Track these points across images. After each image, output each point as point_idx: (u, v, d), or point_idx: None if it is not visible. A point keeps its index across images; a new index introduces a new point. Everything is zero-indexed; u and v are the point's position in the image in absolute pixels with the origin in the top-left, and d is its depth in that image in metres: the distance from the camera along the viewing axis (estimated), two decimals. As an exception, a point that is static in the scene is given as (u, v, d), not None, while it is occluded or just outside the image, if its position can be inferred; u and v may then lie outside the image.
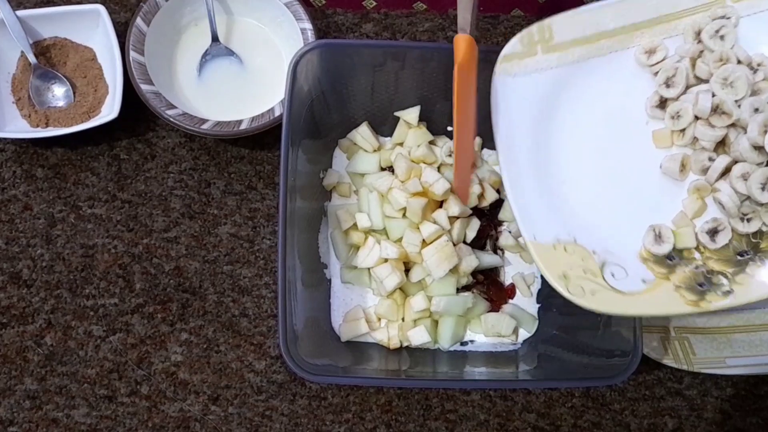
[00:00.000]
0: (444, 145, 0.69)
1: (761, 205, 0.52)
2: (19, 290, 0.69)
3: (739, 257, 0.53)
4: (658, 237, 0.54)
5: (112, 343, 0.68)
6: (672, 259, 0.54)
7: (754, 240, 0.53)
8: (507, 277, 0.71)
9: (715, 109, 0.53)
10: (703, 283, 0.53)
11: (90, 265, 0.69)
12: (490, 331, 0.67)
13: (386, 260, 0.66)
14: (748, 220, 0.53)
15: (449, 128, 0.72)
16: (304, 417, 0.67)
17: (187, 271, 0.70)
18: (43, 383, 0.66)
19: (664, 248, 0.54)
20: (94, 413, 0.66)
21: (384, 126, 0.73)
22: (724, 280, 0.53)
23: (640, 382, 0.69)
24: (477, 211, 0.70)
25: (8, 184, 0.71)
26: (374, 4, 0.78)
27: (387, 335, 0.67)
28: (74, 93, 0.72)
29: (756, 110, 0.52)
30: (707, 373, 0.67)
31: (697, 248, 0.54)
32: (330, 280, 0.69)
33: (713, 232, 0.53)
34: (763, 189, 0.51)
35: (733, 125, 0.53)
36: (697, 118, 0.54)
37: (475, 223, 0.69)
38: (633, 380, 0.69)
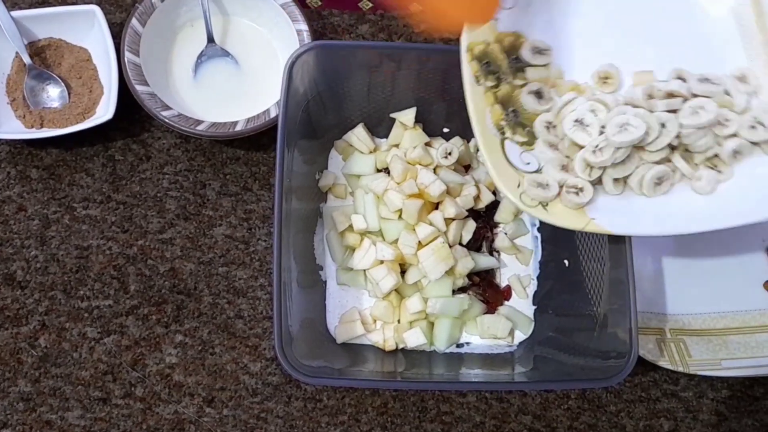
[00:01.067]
0: (440, 146, 0.69)
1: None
2: (13, 292, 0.68)
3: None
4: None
5: (106, 345, 0.67)
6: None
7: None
8: (503, 279, 0.71)
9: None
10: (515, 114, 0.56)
11: (84, 266, 0.69)
12: (486, 333, 0.67)
13: (382, 262, 0.66)
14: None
15: (445, 129, 0.73)
16: (300, 419, 0.67)
17: (182, 272, 0.69)
18: (37, 385, 0.66)
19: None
20: (88, 415, 0.66)
21: (380, 127, 0.73)
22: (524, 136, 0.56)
23: (635, 383, 0.69)
24: (473, 213, 0.70)
25: (2, 185, 0.71)
26: (370, 5, 0.78)
27: (383, 337, 0.66)
28: (69, 94, 0.72)
29: None
30: (703, 375, 0.67)
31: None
32: (326, 282, 0.69)
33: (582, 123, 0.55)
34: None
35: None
36: None
37: (471, 225, 0.69)
38: (629, 382, 0.69)
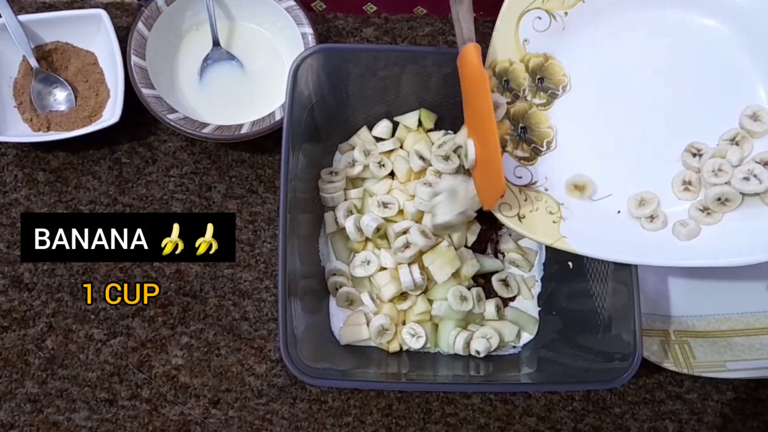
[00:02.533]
0: (439, 147, 0.69)
1: None
2: (21, 294, 0.69)
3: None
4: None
5: (112, 347, 0.68)
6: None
7: None
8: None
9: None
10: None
11: (91, 268, 0.69)
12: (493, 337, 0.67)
13: (385, 268, 0.66)
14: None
15: (450, 132, 0.73)
16: (305, 420, 0.67)
17: (187, 274, 0.70)
18: (44, 386, 0.67)
19: None
20: (94, 416, 0.66)
21: (384, 130, 0.73)
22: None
23: (640, 385, 0.69)
24: (478, 215, 0.70)
25: (9, 188, 0.71)
26: (375, 8, 0.79)
27: (387, 339, 0.66)
28: (76, 97, 0.72)
29: None
30: (707, 377, 0.67)
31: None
32: (330, 284, 0.69)
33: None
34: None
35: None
36: None
37: (476, 227, 0.69)
38: (633, 384, 0.69)
